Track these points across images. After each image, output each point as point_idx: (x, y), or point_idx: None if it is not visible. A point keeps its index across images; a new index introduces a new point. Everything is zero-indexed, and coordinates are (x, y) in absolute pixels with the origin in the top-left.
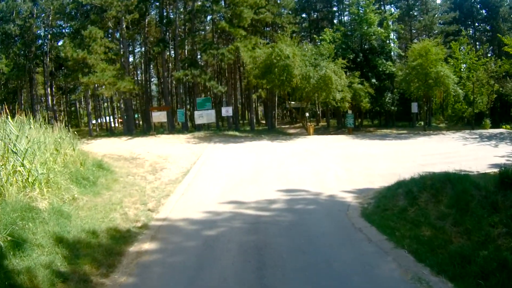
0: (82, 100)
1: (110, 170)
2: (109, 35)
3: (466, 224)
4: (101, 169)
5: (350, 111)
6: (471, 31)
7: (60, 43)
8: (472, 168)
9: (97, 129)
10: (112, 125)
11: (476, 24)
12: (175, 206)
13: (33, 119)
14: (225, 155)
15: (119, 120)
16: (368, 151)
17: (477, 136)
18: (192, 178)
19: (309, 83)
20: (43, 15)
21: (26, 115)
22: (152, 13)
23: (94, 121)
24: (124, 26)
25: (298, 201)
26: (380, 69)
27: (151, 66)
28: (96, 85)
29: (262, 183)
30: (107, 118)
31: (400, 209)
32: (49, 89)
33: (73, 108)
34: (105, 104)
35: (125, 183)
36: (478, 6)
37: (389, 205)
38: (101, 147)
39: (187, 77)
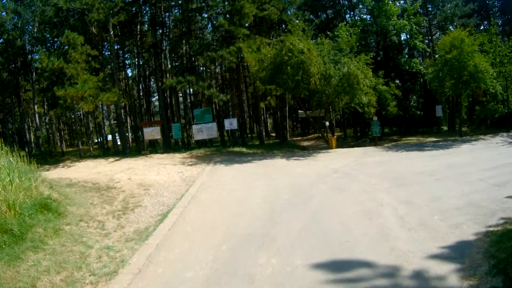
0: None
1: (58, 212)
2: (99, 45)
3: None
4: (46, 210)
5: (375, 118)
6: (486, 24)
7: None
8: None
9: (91, 149)
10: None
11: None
12: None
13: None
14: (226, 184)
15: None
16: (414, 168)
17: None
18: (169, 228)
19: (329, 84)
20: (30, 27)
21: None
22: (147, 21)
23: (97, 140)
24: (111, 33)
25: None
26: (404, 68)
27: (152, 79)
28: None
29: (282, 244)
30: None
31: None
32: (35, 106)
33: (74, 127)
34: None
35: (69, 236)
36: None
37: None
38: (80, 172)
39: (181, 85)
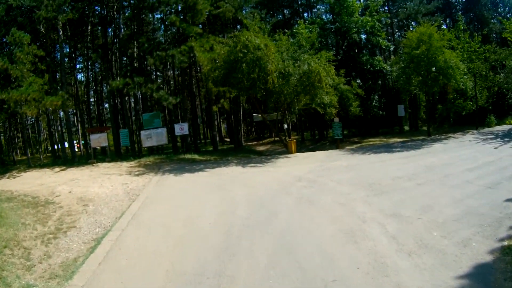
0: (35, 124)
1: None
2: (49, 47)
3: None
4: None
5: (337, 119)
6: (449, 22)
7: None
8: None
9: (41, 158)
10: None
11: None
12: None
13: None
14: (174, 198)
15: (77, 145)
16: (388, 172)
17: (494, 136)
18: (100, 262)
19: (288, 83)
20: None
21: None
22: (98, 22)
23: (50, 148)
24: (61, 32)
25: None
26: (365, 67)
27: (104, 84)
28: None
29: None
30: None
31: None
32: None
33: (33, 135)
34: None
35: None
36: None
37: None
38: (23, 183)
39: (129, 87)
